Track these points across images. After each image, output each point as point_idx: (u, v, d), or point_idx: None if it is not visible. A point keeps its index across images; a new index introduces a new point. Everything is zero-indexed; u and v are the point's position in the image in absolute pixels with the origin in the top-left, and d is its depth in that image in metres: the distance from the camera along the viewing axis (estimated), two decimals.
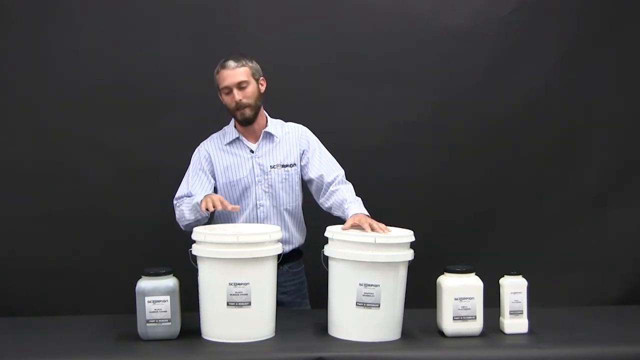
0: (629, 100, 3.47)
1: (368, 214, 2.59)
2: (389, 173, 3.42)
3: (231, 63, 2.73)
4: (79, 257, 3.29)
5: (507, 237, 3.45)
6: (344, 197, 2.71)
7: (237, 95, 2.71)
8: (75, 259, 3.29)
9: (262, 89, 2.80)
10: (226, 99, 2.75)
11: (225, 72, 2.73)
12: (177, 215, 2.73)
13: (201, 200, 2.56)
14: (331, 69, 3.38)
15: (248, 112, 2.74)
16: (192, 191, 2.73)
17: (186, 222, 2.68)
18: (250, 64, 2.76)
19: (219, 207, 2.52)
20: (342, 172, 2.82)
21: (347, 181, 2.80)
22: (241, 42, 3.17)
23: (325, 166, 2.80)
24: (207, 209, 2.52)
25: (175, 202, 2.75)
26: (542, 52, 3.42)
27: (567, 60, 3.44)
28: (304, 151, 2.82)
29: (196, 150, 2.84)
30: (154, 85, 3.31)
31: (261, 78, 2.80)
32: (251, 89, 2.74)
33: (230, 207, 2.54)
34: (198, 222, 2.64)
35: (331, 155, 2.86)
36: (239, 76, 2.72)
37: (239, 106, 2.72)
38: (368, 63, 3.40)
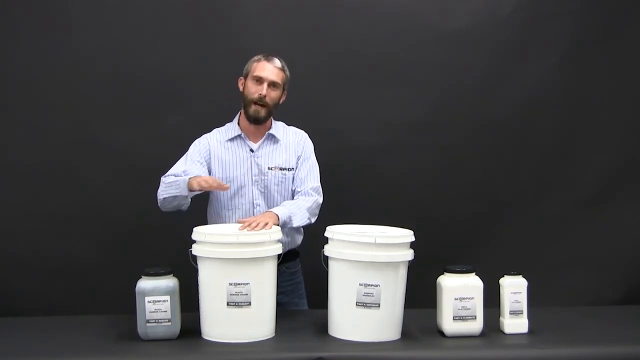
0: (628, 100, 3.47)
1: (281, 215, 2.58)
2: (389, 173, 3.42)
3: (277, 61, 2.78)
4: (79, 257, 3.29)
5: (507, 237, 3.45)
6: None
7: (265, 90, 2.73)
8: (75, 259, 3.29)
9: (282, 100, 2.83)
10: (252, 87, 2.75)
11: (268, 64, 2.76)
12: (159, 190, 2.67)
13: (191, 179, 2.55)
14: (331, 69, 3.38)
15: (263, 112, 2.75)
16: (187, 171, 2.69)
17: (164, 196, 2.64)
18: (287, 74, 2.81)
19: (214, 185, 2.52)
20: (316, 184, 2.81)
21: (312, 193, 2.77)
22: (242, 42, 3.17)
23: (305, 176, 2.81)
24: (196, 189, 2.53)
25: (162, 177, 2.71)
26: (542, 52, 3.42)
27: (566, 60, 3.44)
28: (299, 157, 2.83)
29: (196, 141, 2.83)
30: (154, 85, 3.31)
31: (285, 91, 2.83)
32: (277, 94, 2.78)
33: (224, 186, 2.56)
34: (175, 201, 2.61)
35: (317, 165, 2.85)
36: (277, 76, 2.76)
37: (260, 101, 2.73)
38: (368, 63, 3.40)
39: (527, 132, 3.46)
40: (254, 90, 2.74)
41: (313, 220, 2.75)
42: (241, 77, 2.82)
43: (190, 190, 2.56)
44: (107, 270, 3.28)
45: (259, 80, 2.74)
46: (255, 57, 2.80)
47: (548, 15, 3.42)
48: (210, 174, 2.79)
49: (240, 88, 2.82)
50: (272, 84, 2.75)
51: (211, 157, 2.80)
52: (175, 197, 2.61)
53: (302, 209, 2.70)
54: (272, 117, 2.86)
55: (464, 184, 3.45)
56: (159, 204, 2.69)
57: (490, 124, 3.44)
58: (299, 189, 2.79)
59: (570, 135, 3.48)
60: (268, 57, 2.78)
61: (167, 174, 2.72)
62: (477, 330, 2.35)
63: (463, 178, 3.45)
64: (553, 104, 3.46)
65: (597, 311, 2.85)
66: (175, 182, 2.61)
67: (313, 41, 3.38)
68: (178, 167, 2.74)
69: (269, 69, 2.75)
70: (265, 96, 2.73)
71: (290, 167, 2.82)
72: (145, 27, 3.32)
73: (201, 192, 2.63)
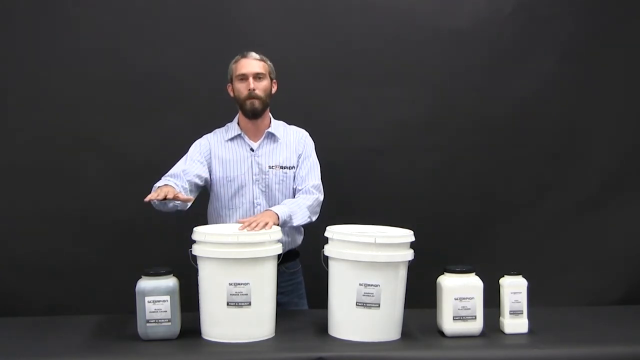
0: (628, 100, 3.47)
1: (281, 214, 2.57)
2: (389, 173, 3.42)
3: (253, 54, 2.80)
4: (79, 257, 3.29)
5: (507, 237, 3.45)
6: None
7: (252, 83, 2.74)
8: (75, 259, 3.29)
9: (273, 90, 2.83)
10: (239, 86, 2.77)
11: (245, 60, 2.78)
12: None
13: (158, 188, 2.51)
14: (331, 69, 3.38)
15: (258, 103, 2.75)
16: (187, 170, 2.70)
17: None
18: (269, 63, 2.82)
19: (160, 196, 2.42)
20: (317, 182, 2.82)
21: (313, 191, 2.78)
22: (241, 42, 3.16)
23: (306, 174, 2.81)
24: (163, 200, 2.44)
25: (162, 178, 2.70)
26: (542, 52, 3.43)
27: (566, 60, 3.44)
28: (299, 155, 2.84)
29: (197, 141, 2.84)
30: (153, 85, 3.31)
31: (274, 80, 2.83)
32: (265, 83, 2.78)
33: (182, 197, 2.49)
34: (161, 204, 2.54)
35: (318, 164, 2.86)
36: (257, 67, 2.77)
37: (251, 95, 2.74)
38: (368, 63, 3.40)
39: (527, 132, 3.46)
40: (242, 88, 2.76)
41: (314, 218, 2.75)
42: (228, 84, 2.84)
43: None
44: (107, 270, 3.28)
45: (243, 77, 2.76)
46: (233, 60, 2.82)
47: (548, 15, 3.43)
48: (211, 174, 2.79)
49: (231, 94, 2.83)
50: (257, 76, 2.76)
51: (212, 156, 2.80)
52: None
53: (302, 207, 2.70)
54: (271, 116, 2.86)
55: (463, 184, 3.46)
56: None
57: (490, 124, 3.44)
58: (300, 187, 2.79)
59: (570, 135, 3.48)
60: (244, 53, 2.80)
61: (167, 174, 2.72)
62: (477, 330, 2.35)
63: (463, 178, 3.45)
64: (553, 104, 3.46)
65: (597, 311, 2.85)
66: (154, 187, 2.60)
67: (313, 41, 3.38)
68: (178, 167, 2.74)
69: (249, 63, 2.77)
70: (254, 89, 2.74)
71: (291, 166, 2.82)
72: (145, 27, 3.32)
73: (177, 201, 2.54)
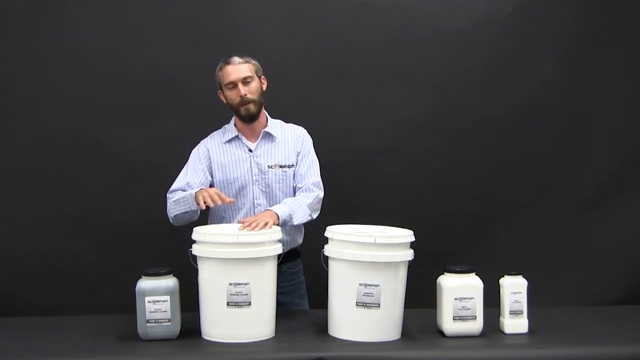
0: (628, 100, 3.47)
1: (280, 213, 2.58)
2: (389, 173, 3.42)
3: (236, 59, 2.77)
4: (80, 257, 3.29)
5: (507, 237, 3.45)
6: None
7: (242, 89, 2.73)
8: (75, 259, 3.29)
9: (264, 87, 2.83)
10: (230, 95, 2.77)
11: (229, 67, 2.76)
12: (168, 207, 2.71)
13: (196, 193, 2.57)
14: (331, 69, 3.38)
15: (252, 107, 2.75)
16: (190, 183, 2.72)
17: (175, 214, 2.68)
18: (253, 62, 2.80)
19: (218, 202, 2.53)
20: (316, 179, 2.82)
21: (313, 189, 2.78)
22: (241, 42, 3.17)
23: (305, 172, 2.81)
24: (204, 203, 2.53)
25: (168, 194, 2.74)
26: (542, 52, 3.42)
27: (566, 61, 3.44)
28: (298, 153, 2.84)
29: (195, 149, 2.85)
30: (154, 85, 3.31)
31: (262, 77, 2.82)
32: (255, 84, 2.77)
33: (227, 200, 2.57)
34: (187, 215, 2.64)
35: (316, 160, 2.86)
36: (243, 71, 2.75)
37: (244, 101, 2.74)
38: (368, 63, 3.40)
39: (527, 132, 3.46)
40: (234, 96, 2.76)
41: (315, 216, 2.75)
42: (219, 91, 2.83)
43: (198, 204, 2.56)
44: (107, 270, 3.28)
45: (232, 85, 2.75)
46: (217, 68, 2.81)
47: (548, 15, 3.42)
48: (212, 179, 2.80)
49: (224, 101, 2.83)
50: (245, 80, 2.75)
51: (211, 161, 2.80)
52: (186, 212, 2.63)
53: (302, 205, 2.70)
54: (267, 115, 2.86)
55: (464, 184, 3.45)
56: (171, 221, 2.71)
57: (490, 124, 3.44)
58: (299, 185, 2.79)
59: (570, 135, 3.47)
60: (227, 60, 2.78)
61: (171, 189, 2.73)
62: (477, 330, 2.35)
63: (463, 178, 3.45)
64: (553, 104, 3.45)
65: (597, 311, 2.85)
66: (183, 198, 2.64)
67: (313, 41, 3.38)
68: (180, 180, 2.75)
69: (233, 70, 2.75)
70: (245, 94, 2.73)
71: (290, 164, 2.82)
72: (145, 27, 3.32)
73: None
